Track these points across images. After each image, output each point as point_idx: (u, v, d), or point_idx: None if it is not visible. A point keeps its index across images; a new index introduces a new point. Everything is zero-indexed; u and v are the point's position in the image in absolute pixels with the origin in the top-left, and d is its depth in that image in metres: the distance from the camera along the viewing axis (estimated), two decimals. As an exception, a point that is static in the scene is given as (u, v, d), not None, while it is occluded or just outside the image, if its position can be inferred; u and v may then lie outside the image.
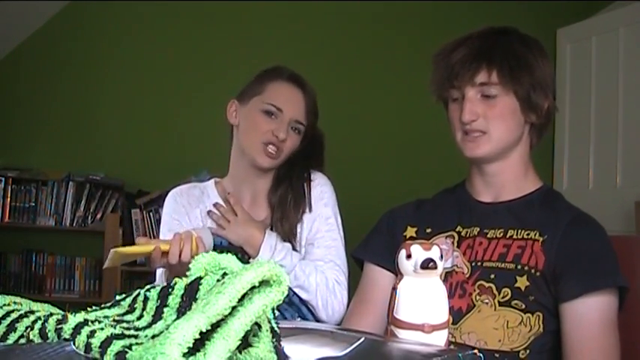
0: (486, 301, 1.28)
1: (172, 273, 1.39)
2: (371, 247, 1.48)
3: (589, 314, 1.22)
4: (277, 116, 1.58)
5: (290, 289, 1.53)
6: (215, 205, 1.64)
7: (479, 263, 1.31)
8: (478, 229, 1.35)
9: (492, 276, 1.29)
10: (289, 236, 1.62)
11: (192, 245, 1.37)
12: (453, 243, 1.36)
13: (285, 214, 1.62)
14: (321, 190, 1.67)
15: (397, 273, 0.99)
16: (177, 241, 1.36)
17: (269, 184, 1.67)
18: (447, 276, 1.32)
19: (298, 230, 1.63)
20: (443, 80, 1.35)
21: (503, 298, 1.27)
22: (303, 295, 1.56)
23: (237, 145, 1.65)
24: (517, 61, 1.30)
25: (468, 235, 1.36)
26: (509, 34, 1.35)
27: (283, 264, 1.54)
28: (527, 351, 1.25)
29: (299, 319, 1.53)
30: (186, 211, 1.65)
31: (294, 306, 1.56)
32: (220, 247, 1.56)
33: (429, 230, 1.40)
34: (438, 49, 1.38)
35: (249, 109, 1.62)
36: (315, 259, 1.60)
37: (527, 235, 1.30)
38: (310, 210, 1.64)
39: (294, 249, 1.61)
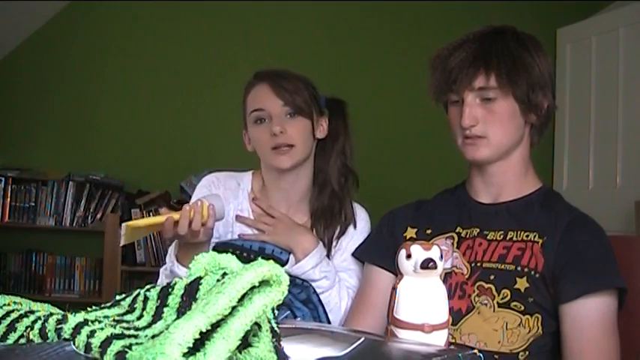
0: (485, 302, 1.27)
1: (183, 243, 1.42)
2: (371, 248, 1.49)
3: (588, 316, 1.22)
4: (265, 117, 1.57)
5: (311, 287, 1.53)
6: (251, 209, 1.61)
7: (478, 264, 1.31)
8: (478, 230, 1.35)
9: (492, 277, 1.28)
10: (328, 246, 1.61)
11: (204, 213, 1.38)
12: (452, 244, 1.36)
13: (329, 222, 1.61)
14: (364, 226, 1.65)
15: (397, 273, 0.99)
16: (187, 212, 1.37)
17: (304, 189, 1.63)
18: (446, 277, 1.31)
19: (338, 248, 1.62)
20: (441, 85, 1.34)
21: (502, 299, 1.26)
22: (330, 316, 1.56)
23: (262, 161, 1.64)
24: (514, 64, 1.29)
25: (467, 235, 1.35)
26: (505, 34, 1.34)
27: (328, 277, 1.54)
28: (527, 352, 1.25)
29: (311, 319, 1.53)
30: None
31: (311, 304, 1.55)
32: (257, 252, 1.55)
33: (429, 231, 1.40)
34: (435, 53, 1.37)
35: (249, 129, 1.62)
36: (346, 286, 1.59)
37: (527, 236, 1.30)
38: (355, 226, 1.63)
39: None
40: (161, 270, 1.56)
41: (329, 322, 1.55)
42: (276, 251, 1.57)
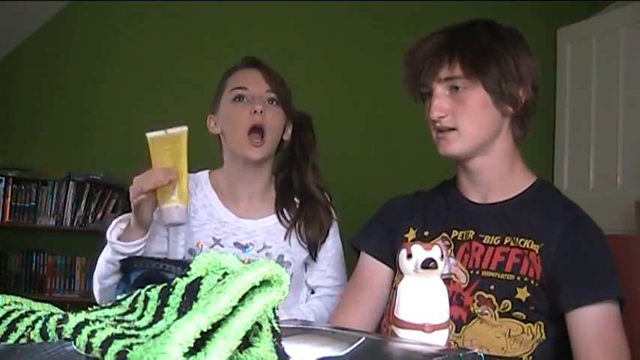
0: (486, 312, 1.24)
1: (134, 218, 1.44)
2: (369, 237, 1.44)
3: (594, 322, 1.19)
4: (246, 96, 1.59)
5: None
6: None
7: (477, 272, 1.27)
8: (473, 233, 1.30)
9: (492, 287, 1.24)
10: (315, 248, 1.63)
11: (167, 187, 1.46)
12: (449, 247, 1.31)
13: (314, 227, 1.63)
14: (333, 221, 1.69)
15: (397, 272, 0.99)
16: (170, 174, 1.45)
17: (266, 180, 1.66)
18: (443, 284, 1.29)
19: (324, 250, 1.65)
20: (410, 78, 1.31)
21: (503, 309, 1.23)
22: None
23: (226, 149, 1.66)
24: (481, 52, 1.25)
25: (463, 238, 1.31)
26: (477, 25, 1.31)
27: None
28: (531, 358, 1.22)
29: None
30: None
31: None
32: None
33: (426, 233, 1.36)
34: (407, 48, 1.34)
35: (221, 109, 1.65)
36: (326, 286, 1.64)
37: (522, 243, 1.26)
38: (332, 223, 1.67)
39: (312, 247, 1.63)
40: (100, 259, 1.51)
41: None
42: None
